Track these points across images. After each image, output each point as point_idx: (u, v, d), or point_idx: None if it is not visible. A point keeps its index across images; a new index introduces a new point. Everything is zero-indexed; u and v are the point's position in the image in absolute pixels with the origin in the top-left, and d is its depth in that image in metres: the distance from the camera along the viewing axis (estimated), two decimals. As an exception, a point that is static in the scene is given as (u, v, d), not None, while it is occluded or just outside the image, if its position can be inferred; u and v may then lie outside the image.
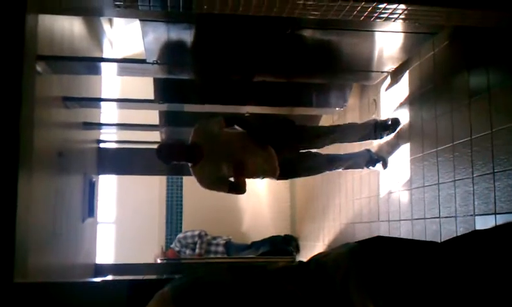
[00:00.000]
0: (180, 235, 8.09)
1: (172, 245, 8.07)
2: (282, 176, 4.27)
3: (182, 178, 8.46)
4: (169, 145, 4.17)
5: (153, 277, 4.35)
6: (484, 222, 3.03)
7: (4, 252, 2.35)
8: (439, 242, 1.91)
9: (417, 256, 1.71)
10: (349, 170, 4.86)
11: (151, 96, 4.94)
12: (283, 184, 8.53)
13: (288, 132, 4.22)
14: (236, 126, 4.14)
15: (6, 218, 2.38)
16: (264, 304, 1.50)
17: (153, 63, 3.97)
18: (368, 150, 4.62)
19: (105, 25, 6.57)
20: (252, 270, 1.62)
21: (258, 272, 1.59)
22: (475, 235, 2.06)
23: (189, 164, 4.00)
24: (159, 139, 5.97)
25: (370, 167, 4.60)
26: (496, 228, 2.55)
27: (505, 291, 1.65)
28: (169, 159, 4.03)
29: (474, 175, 3.20)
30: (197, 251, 7.74)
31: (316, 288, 1.55)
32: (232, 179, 4.04)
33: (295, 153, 4.32)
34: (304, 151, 4.39)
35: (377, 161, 4.53)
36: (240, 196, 8.49)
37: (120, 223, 8.29)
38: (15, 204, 2.39)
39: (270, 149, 4.13)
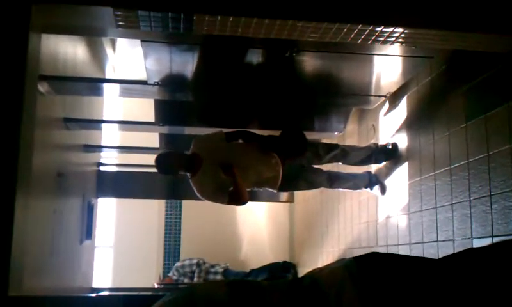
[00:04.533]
0: (178, 264, 8.04)
1: (170, 274, 8.02)
2: (282, 187, 4.22)
3: (181, 203, 8.45)
4: (168, 154, 4.05)
5: (149, 293, 4.30)
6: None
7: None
8: (435, 258, 1.90)
9: (413, 272, 1.70)
10: (348, 191, 4.86)
11: (152, 119, 4.98)
12: (282, 210, 8.53)
13: (299, 142, 4.16)
14: (240, 140, 4.10)
15: (2, 233, 2.37)
16: None
17: (154, 84, 4.00)
18: (369, 172, 4.64)
19: (108, 50, 6.64)
20: (247, 285, 1.61)
21: (254, 288, 1.59)
22: (471, 253, 2.06)
23: (188, 175, 3.94)
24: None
25: (369, 190, 4.61)
26: (493, 246, 2.55)
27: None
28: (168, 169, 3.92)
29: (471, 198, 3.21)
30: (195, 279, 7.68)
31: (310, 304, 1.55)
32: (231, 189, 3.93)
33: (298, 164, 4.30)
34: (306, 165, 4.38)
35: (376, 184, 4.54)
36: (239, 222, 8.52)
37: (118, 247, 8.25)
38: (11, 223, 2.38)
39: (275, 157, 4.09)
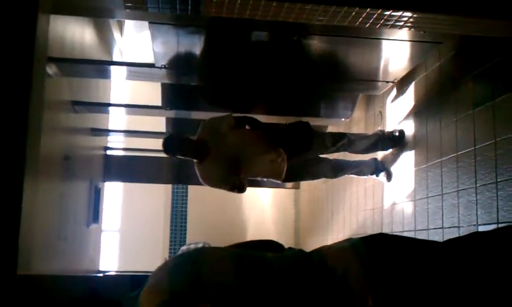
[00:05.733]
0: (184, 247, 8.08)
1: (175, 258, 8.05)
2: (287, 178, 4.23)
3: (187, 188, 8.48)
4: (177, 138, 4.00)
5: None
6: (487, 232, 3.03)
7: (7, 245, 2.36)
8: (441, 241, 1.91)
9: (418, 253, 1.71)
10: (354, 177, 4.86)
11: (159, 103, 4.99)
12: (287, 196, 8.54)
13: (304, 136, 4.15)
14: (247, 127, 4.10)
15: (10, 217, 2.39)
16: (268, 295, 1.51)
17: (161, 68, 4.00)
18: (375, 159, 4.63)
19: (116, 34, 6.64)
20: (254, 257, 1.62)
21: (260, 260, 1.60)
22: (477, 236, 2.06)
23: (194, 161, 3.94)
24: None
25: (374, 176, 4.60)
26: (498, 230, 2.55)
27: (505, 292, 1.65)
28: (175, 152, 3.90)
29: (477, 185, 3.21)
30: (200, 263, 7.70)
31: (316, 280, 1.55)
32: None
33: (305, 157, 4.30)
34: (312, 156, 4.38)
35: (382, 171, 4.54)
36: (245, 208, 8.55)
37: (124, 231, 8.30)
38: (19, 204, 2.40)
39: (280, 151, 4.08)
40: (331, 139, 4.38)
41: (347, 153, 4.62)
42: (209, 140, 3.91)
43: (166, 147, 3.85)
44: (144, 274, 1.94)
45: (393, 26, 2.77)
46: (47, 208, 3.87)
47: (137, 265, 7.36)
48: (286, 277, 1.54)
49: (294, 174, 4.29)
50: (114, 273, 7.39)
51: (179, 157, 3.95)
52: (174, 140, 3.92)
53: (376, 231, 4.78)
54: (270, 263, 1.59)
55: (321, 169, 4.41)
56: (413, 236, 3.99)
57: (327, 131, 5.56)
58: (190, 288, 1.46)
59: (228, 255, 1.61)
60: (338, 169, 4.51)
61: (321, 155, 4.46)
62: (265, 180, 4.33)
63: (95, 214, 6.05)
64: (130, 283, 2.26)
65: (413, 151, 4.16)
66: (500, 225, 2.97)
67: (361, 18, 2.67)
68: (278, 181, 4.26)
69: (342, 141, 4.39)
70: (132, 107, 6.07)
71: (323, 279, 1.54)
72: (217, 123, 4.03)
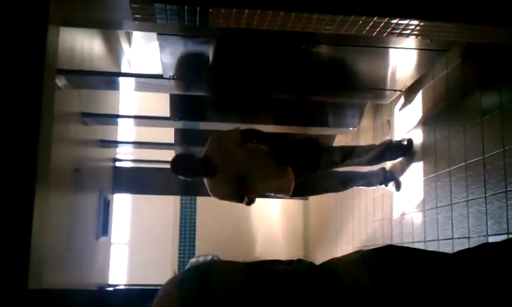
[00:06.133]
0: (193, 260, 8.06)
1: (184, 271, 8.03)
2: (296, 194, 4.24)
3: (196, 199, 8.48)
4: (184, 158, 4.08)
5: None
6: (497, 243, 3.01)
7: (19, 259, 2.37)
8: (451, 253, 1.90)
9: (428, 265, 1.70)
10: (362, 188, 4.85)
11: (167, 114, 5.01)
12: (296, 207, 8.53)
13: (313, 155, 4.13)
14: (255, 141, 4.11)
15: (22, 227, 2.40)
16: (279, 306, 1.51)
17: (169, 78, 4.03)
18: (384, 169, 4.62)
19: (124, 45, 6.70)
20: (265, 268, 1.62)
21: (271, 272, 1.60)
22: (486, 247, 2.04)
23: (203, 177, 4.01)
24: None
25: (383, 186, 4.59)
26: (508, 241, 2.53)
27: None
28: (183, 173, 3.96)
29: (487, 194, 3.18)
30: (210, 276, 7.68)
31: (326, 291, 1.55)
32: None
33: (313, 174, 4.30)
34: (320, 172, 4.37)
35: (390, 181, 4.52)
36: (254, 219, 8.53)
37: (133, 244, 8.30)
38: (31, 217, 2.41)
39: (288, 170, 4.09)
40: (341, 154, 4.40)
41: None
42: (216, 157, 3.95)
43: (175, 169, 3.93)
44: (154, 287, 1.95)
45: (400, 34, 2.78)
46: (56, 221, 3.88)
47: (146, 278, 7.35)
48: (296, 288, 1.53)
49: (302, 190, 4.32)
50: (123, 286, 7.40)
51: (187, 178, 4.00)
52: (181, 161, 3.99)
53: (386, 241, 4.75)
54: (280, 274, 1.59)
55: (330, 184, 4.43)
56: (423, 248, 3.96)
57: (335, 144, 5.57)
58: (201, 299, 1.46)
59: (238, 266, 1.61)
60: (347, 181, 4.51)
61: (329, 170, 4.46)
62: (272, 194, 4.35)
63: (104, 227, 6.07)
64: (140, 296, 2.26)
65: (421, 161, 4.14)
66: (510, 235, 2.94)
67: (368, 27, 2.68)
68: (286, 197, 4.29)
69: (350, 156, 4.40)
70: (140, 119, 6.11)
71: (333, 290, 1.54)
72: (224, 138, 4.05)
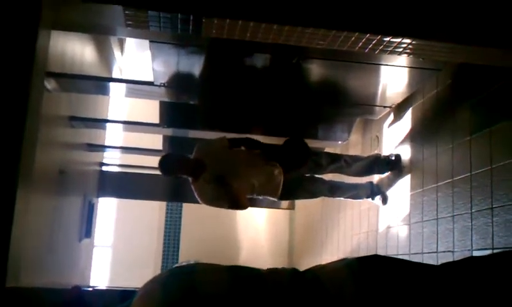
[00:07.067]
0: (176, 266, 8.01)
1: (167, 277, 7.98)
2: (283, 196, 4.23)
3: (182, 206, 8.45)
4: (172, 156, 4.07)
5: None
6: (482, 258, 3.03)
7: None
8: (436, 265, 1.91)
9: (414, 275, 1.70)
10: (349, 200, 4.86)
11: (157, 121, 5.00)
12: (282, 217, 8.53)
13: (300, 151, 4.14)
14: (243, 148, 4.09)
15: (1, 226, 2.36)
16: None
17: (160, 86, 4.02)
18: (371, 183, 4.64)
19: (116, 52, 6.66)
20: (248, 272, 1.61)
21: (255, 276, 1.59)
22: (472, 261, 2.06)
23: (190, 179, 3.94)
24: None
25: (370, 200, 4.61)
26: (494, 256, 2.55)
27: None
28: (171, 171, 3.93)
29: (473, 210, 3.22)
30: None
31: (310, 299, 1.55)
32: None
33: (300, 174, 4.30)
34: (308, 174, 4.38)
35: (377, 194, 4.55)
36: (239, 227, 8.52)
37: (117, 247, 8.24)
38: (11, 216, 2.38)
39: (277, 168, 4.07)
40: (328, 159, 4.40)
41: (342, 175, 4.63)
42: (205, 159, 3.92)
43: (163, 166, 3.87)
44: (134, 289, 1.92)
45: (393, 52, 2.79)
46: (38, 222, 3.84)
47: (129, 281, 7.30)
48: (279, 292, 1.53)
49: (290, 193, 4.28)
50: (104, 288, 7.33)
51: (175, 175, 3.97)
52: (170, 159, 3.95)
53: (370, 253, 4.76)
54: (264, 276, 1.59)
55: (317, 188, 4.42)
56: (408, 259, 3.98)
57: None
58: (185, 299, 1.44)
59: (223, 267, 1.60)
60: (334, 189, 4.52)
61: (317, 175, 4.46)
62: (261, 198, 4.31)
63: (87, 229, 6.02)
64: (119, 296, 2.24)
65: (409, 176, 4.17)
66: (494, 251, 2.97)
67: (360, 43, 2.70)
68: (275, 199, 4.25)
69: (337, 161, 4.40)
70: (129, 124, 6.07)
71: (316, 297, 1.53)
72: (212, 144, 4.05)
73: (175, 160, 3.96)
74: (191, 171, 3.90)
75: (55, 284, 4.54)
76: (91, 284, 6.85)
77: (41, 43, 2.64)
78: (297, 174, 4.27)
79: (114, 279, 7.99)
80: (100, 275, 7.84)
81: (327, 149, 5.80)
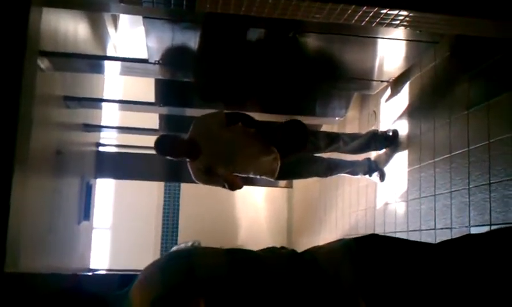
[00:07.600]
0: (174, 248, 8.02)
1: (167, 257, 8.01)
2: (281, 176, 4.22)
3: (179, 186, 8.45)
4: (169, 138, 4.08)
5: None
6: (480, 233, 3.03)
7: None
8: (433, 243, 1.90)
9: (411, 254, 1.70)
10: (347, 177, 4.85)
11: (153, 100, 4.96)
12: (280, 196, 8.54)
13: (298, 135, 4.08)
14: (240, 124, 4.07)
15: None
16: (260, 290, 1.49)
17: (155, 63, 3.98)
18: (369, 159, 4.62)
19: (110, 29, 6.59)
20: (247, 255, 1.61)
21: (253, 258, 1.59)
22: (470, 238, 2.05)
23: (187, 159, 3.97)
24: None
25: (368, 176, 4.60)
26: (491, 233, 2.54)
27: (498, 294, 1.65)
28: (167, 153, 3.95)
29: (470, 186, 3.20)
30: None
31: (308, 280, 1.54)
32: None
33: (298, 156, 4.28)
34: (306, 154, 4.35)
35: (375, 171, 4.53)
36: (238, 206, 8.54)
37: (116, 229, 8.26)
38: (8, 199, 2.36)
39: (274, 151, 4.06)
40: (326, 140, 4.38)
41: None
42: (201, 139, 3.92)
43: (159, 148, 3.90)
44: (134, 272, 1.91)
45: (389, 25, 2.75)
46: (36, 204, 3.82)
47: (129, 263, 7.32)
48: (278, 273, 1.53)
49: (287, 173, 4.28)
50: (104, 271, 7.35)
51: (171, 158, 3.97)
52: (166, 141, 3.97)
53: (369, 231, 4.77)
54: (263, 258, 1.58)
55: (315, 168, 4.40)
56: (406, 238, 3.99)
57: (321, 130, 5.54)
58: (184, 282, 1.44)
59: (221, 250, 1.60)
60: (332, 168, 4.50)
61: (315, 155, 4.44)
62: (258, 177, 4.30)
63: (86, 211, 6.01)
64: (120, 281, 2.23)
65: (406, 152, 4.15)
66: (492, 227, 2.97)
67: (357, 16, 2.65)
68: (271, 180, 4.25)
69: (336, 142, 4.38)
70: (125, 103, 6.03)
71: (315, 277, 1.53)
72: (209, 120, 4.02)
73: (170, 142, 3.97)
74: (187, 153, 3.93)
75: (54, 268, 4.55)
76: (91, 268, 6.86)
77: (33, 20, 2.60)
78: (295, 157, 4.25)
79: (114, 261, 8.01)
80: (100, 258, 7.85)
81: (324, 126, 5.79)
